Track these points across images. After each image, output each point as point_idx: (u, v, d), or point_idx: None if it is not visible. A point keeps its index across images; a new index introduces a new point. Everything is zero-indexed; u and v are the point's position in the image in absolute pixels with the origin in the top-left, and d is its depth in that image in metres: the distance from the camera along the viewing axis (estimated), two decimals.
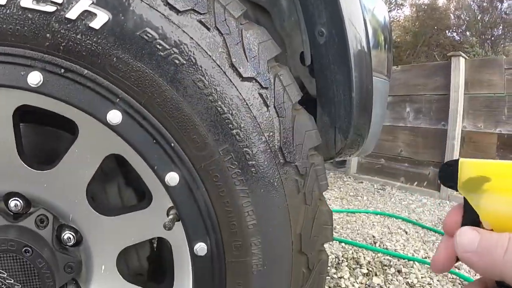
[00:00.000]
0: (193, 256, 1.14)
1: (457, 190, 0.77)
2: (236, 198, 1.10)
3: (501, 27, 15.64)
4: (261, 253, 1.15)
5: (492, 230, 0.66)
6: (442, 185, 6.73)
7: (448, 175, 0.78)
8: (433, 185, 7.13)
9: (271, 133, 1.11)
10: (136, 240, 1.22)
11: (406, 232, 4.82)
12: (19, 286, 1.13)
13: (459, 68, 6.69)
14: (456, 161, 0.76)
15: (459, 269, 3.72)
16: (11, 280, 1.13)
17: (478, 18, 15.50)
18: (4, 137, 1.09)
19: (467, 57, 6.97)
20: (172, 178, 1.07)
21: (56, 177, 1.14)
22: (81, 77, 1.01)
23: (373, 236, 4.55)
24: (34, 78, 1.00)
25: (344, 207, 5.93)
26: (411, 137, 7.54)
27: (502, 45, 15.47)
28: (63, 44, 0.99)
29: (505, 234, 0.61)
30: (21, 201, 1.16)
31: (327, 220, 1.26)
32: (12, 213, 1.18)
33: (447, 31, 15.63)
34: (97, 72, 1.01)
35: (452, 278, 3.51)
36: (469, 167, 0.76)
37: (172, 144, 1.06)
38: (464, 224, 0.71)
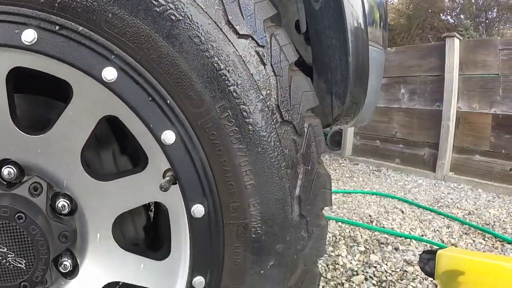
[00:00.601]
0: (190, 218, 1.13)
1: (434, 279, 0.79)
2: (233, 157, 1.09)
3: (495, 10, 15.61)
4: (259, 215, 1.14)
5: None
6: (434, 174, 6.80)
7: (426, 265, 0.81)
8: (428, 166, 7.15)
9: (268, 91, 1.10)
10: (132, 205, 1.20)
11: (403, 212, 4.83)
12: (12, 254, 1.11)
13: (454, 49, 6.68)
14: (434, 252, 0.78)
15: (456, 246, 3.74)
16: (3, 248, 1.11)
17: (473, 1, 15.47)
18: None
19: (461, 38, 6.95)
20: (168, 136, 1.06)
21: (49, 141, 1.13)
22: (76, 34, 0.99)
23: (370, 215, 4.56)
24: (29, 35, 0.98)
25: (340, 188, 5.94)
26: (406, 118, 7.55)
27: (497, 28, 15.45)
28: (58, 1, 0.97)
29: None
30: (14, 169, 1.13)
31: (326, 183, 1.25)
32: (5, 182, 1.16)
33: (441, 14, 15.60)
34: (92, 28, 0.99)
35: None
36: (445, 260, 0.78)
37: (168, 101, 1.04)
38: None
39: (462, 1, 15.79)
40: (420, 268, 0.81)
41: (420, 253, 3.37)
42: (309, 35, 1.51)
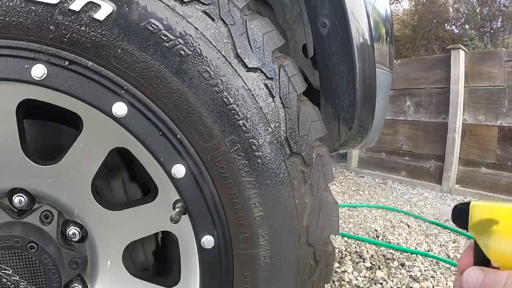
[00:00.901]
0: (200, 249, 1.14)
1: (468, 231, 0.79)
2: (243, 189, 1.10)
3: (500, 19, 15.62)
4: (268, 245, 1.15)
5: (499, 268, 0.71)
6: (440, 186, 6.78)
7: (459, 217, 0.82)
8: (434, 179, 7.13)
9: (277, 124, 1.11)
10: (142, 234, 1.21)
11: (409, 226, 4.82)
12: (24, 283, 1.12)
13: (459, 61, 6.68)
14: (468, 204, 0.79)
15: None
16: (16, 277, 1.12)
17: (477, 11, 15.47)
18: (8, 131, 1.08)
19: (466, 50, 6.96)
20: (179, 170, 1.07)
21: (60, 172, 1.14)
22: (85, 69, 1.00)
23: (376, 230, 4.55)
24: (38, 71, 0.99)
25: (346, 201, 5.93)
26: (412, 130, 7.53)
27: (502, 38, 15.45)
28: (67, 36, 0.98)
29: (505, 272, 0.70)
30: (25, 197, 1.15)
31: (333, 211, 1.26)
32: (16, 210, 1.17)
33: (446, 24, 15.62)
34: (102, 64, 1.00)
35: (455, 271, 3.50)
36: (479, 210, 0.79)
37: (178, 136, 1.05)
38: (476, 264, 0.76)
39: (466, 11, 15.80)
40: (452, 220, 0.81)
41: (425, 268, 3.40)
42: (316, 59, 1.52)
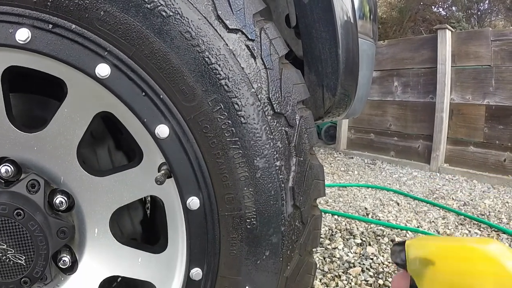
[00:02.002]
0: (186, 210, 1.15)
1: (406, 269, 0.82)
2: (226, 149, 1.11)
3: (487, 1, 15.65)
4: (254, 206, 1.16)
5: None
6: (429, 166, 6.84)
7: (398, 255, 0.84)
8: (423, 158, 7.18)
9: (259, 84, 1.11)
10: (128, 199, 1.21)
11: (398, 204, 4.86)
12: (12, 251, 1.13)
13: (446, 41, 6.71)
14: (403, 242, 0.82)
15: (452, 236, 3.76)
16: (3, 245, 1.12)
17: None
18: None
19: (453, 30, 6.98)
20: (162, 130, 1.08)
21: (46, 138, 1.14)
22: (69, 32, 1.01)
23: (365, 208, 4.59)
24: (23, 34, 1.00)
25: (336, 181, 5.96)
26: (400, 111, 7.58)
27: (489, 20, 15.48)
28: (50, 0, 0.99)
29: None
30: (11, 167, 1.15)
31: (319, 174, 1.27)
32: (2, 180, 1.17)
33: (433, 7, 15.62)
34: (85, 26, 1.01)
35: None
36: (415, 249, 0.81)
37: (161, 96, 1.06)
38: None
39: None
40: (393, 261, 0.83)
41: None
42: (299, 28, 1.53)
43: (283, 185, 1.18)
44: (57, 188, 1.20)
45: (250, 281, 1.22)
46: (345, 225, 4.02)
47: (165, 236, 1.27)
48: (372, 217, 4.32)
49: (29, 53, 1.03)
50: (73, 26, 1.01)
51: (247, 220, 1.17)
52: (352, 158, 8.11)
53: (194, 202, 1.13)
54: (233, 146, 1.10)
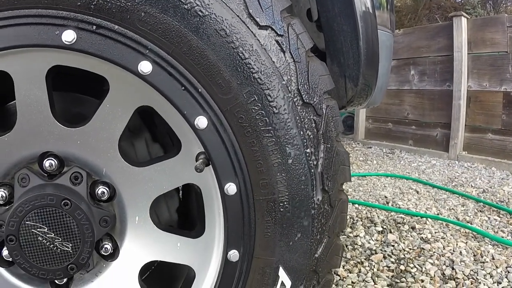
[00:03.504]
0: (224, 196, 1.24)
1: None
2: (260, 137, 1.19)
3: None
4: (286, 191, 1.24)
5: None
6: (447, 154, 6.84)
7: None
8: (441, 146, 7.19)
9: (289, 77, 1.20)
10: (167, 188, 1.29)
11: (417, 192, 4.90)
12: (59, 239, 1.20)
13: (461, 28, 6.70)
14: None
15: (471, 223, 3.81)
16: (51, 234, 1.19)
17: None
18: (39, 96, 1.16)
19: (468, 17, 6.97)
20: (201, 121, 1.17)
21: (89, 133, 1.22)
22: (112, 32, 1.09)
23: (385, 197, 4.64)
24: (68, 35, 1.08)
25: (355, 171, 6.01)
26: (417, 99, 7.58)
27: (504, 5, 15.33)
28: (94, 3, 1.07)
29: None
30: (55, 161, 1.22)
31: (345, 160, 1.34)
32: (46, 173, 1.25)
33: None
34: (127, 26, 1.09)
35: (465, 232, 3.59)
36: None
37: (200, 90, 1.15)
38: None
39: None
40: None
41: (435, 231, 3.48)
42: (320, 22, 1.59)
43: (313, 170, 1.25)
44: (98, 180, 1.28)
45: (283, 261, 1.30)
46: (366, 213, 4.08)
47: (201, 222, 1.35)
48: (392, 205, 4.37)
49: (75, 53, 1.10)
50: (116, 26, 1.09)
51: (280, 204, 1.25)
52: (371, 147, 8.14)
53: (231, 188, 1.22)
54: (267, 135, 1.19)
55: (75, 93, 1.50)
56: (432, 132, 7.38)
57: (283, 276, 1.31)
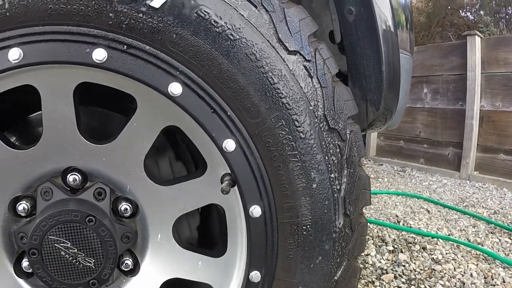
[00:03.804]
0: (248, 218, 1.25)
1: None
2: (287, 162, 1.20)
3: None
4: (310, 214, 1.25)
5: None
6: (459, 173, 6.80)
7: None
8: (452, 166, 7.16)
9: (316, 102, 1.21)
10: (191, 207, 1.31)
11: (429, 211, 4.88)
12: (82, 255, 1.21)
13: (475, 47, 6.69)
14: None
15: (482, 245, 3.79)
16: (74, 249, 1.21)
17: None
18: (65, 112, 1.17)
19: (482, 36, 6.96)
20: (229, 144, 1.18)
21: (115, 150, 1.23)
22: (143, 52, 1.11)
23: (396, 216, 4.63)
24: (99, 54, 1.09)
25: None
26: (430, 118, 7.56)
27: None
28: (125, 23, 1.08)
29: None
30: (79, 176, 1.23)
31: (366, 184, 1.35)
32: (69, 188, 1.26)
33: (460, 11, 15.48)
34: (158, 47, 1.10)
35: (476, 254, 3.57)
36: None
37: (229, 113, 1.16)
38: None
39: None
40: None
41: (446, 251, 3.47)
42: (343, 45, 1.60)
43: (336, 195, 1.26)
44: (121, 196, 1.29)
45: (303, 283, 1.31)
46: (377, 232, 4.07)
47: (223, 241, 1.36)
48: (403, 224, 4.36)
49: (105, 71, 1.12)
50: (147, 47, 1.10)
51: (303, 227, 1.26)
52: (382, 165, 8.12)
53: (256, 210, 1.24)
54: (293, 159, 1.20)
55: (101, 108, 1.52)
56: (444, 151, 7.35)
57: None
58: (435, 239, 3.91)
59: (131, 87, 1.16)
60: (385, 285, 2.97)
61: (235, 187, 1.23)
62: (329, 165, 1.24)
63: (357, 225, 1.34)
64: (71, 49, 1.09)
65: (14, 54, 1.07)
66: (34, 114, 1.57)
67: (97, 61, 1.09)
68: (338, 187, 1.27)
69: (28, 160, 1.20)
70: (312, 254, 1.29)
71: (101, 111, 1.52)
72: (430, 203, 5.29)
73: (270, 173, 1.21)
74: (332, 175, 1.25)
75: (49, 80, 1.15)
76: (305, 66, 1.20)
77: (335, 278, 1.34)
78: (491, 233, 4.20)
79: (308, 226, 1.26)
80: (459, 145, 7.01)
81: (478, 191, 6.09)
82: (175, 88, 1.13)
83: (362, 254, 3.44)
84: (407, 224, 4.37)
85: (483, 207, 5.19)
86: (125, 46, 1.10)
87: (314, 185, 1.23)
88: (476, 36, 6.74)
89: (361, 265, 3.22)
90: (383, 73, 1.56)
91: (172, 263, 1.36)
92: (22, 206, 1.22)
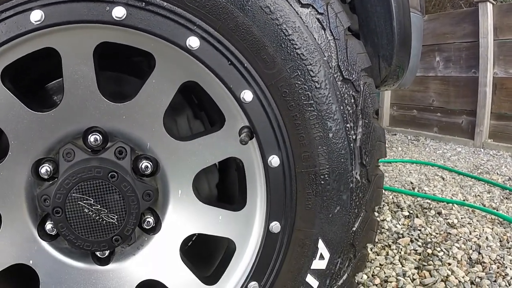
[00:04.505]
0: (267, 168, 1.28)
1: None
2: (303, 111, 1.24)
3: None
4: (327, 163, 1.28)
5: None
6: (473, 141, 6.78)
7: None
8: (466, 134, 7.15)
9: (329, 53, 1.24)
10: (211, 161, 1.34)
11: (443, 178, 4.90)
12: (105, 211, 1.24)
13: (487, 14, 6.64)
14: None
15: (497, 210, 3.81)
16: (97, 205, 1.23)
17: None
18: (86, 72, 1.20)
19: (494, 2, 6.90)
20: (247, 95, 1.21)
21: (135, 107, 1.25)
22: (161, 9, 1.13)
23: (411, 183, 4.65)
24: (119, 12, 1.12)
25: None
26: (442, 86, 7.53)
27: None
28: None
29: None
30: (100, 136, 1.25)
31: (381, 136, 1.37)
32: (90, 149, 1.27)
33: None
34: (175, 3, 1.14)
35: (491, 218, 3.60)
36: None
37: (245, 65, 1.19)
38: None
39: None
40: None
41: (461, 216, 3.49)
42: (354, 4, 1.63)
43: (352, 144, 1.30)
44: (141, 154, 1.31)
45: (322, 234, 1.34)
46: (392, 198, 4.09)
47: (242, 195, 1.39)
48: (418, 191, 4.39)
49: (123, 29, 1.14)
50: (165, 3, 1.13)
51: (321, 177, 1.29)
52: (395, 134, 8.13)
53: (274, 160, 1.27)
54: (309, 109, 1.23)
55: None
56: (458, 119, 7.33)
57: (322, 248, 1.35)
58: (450, 204, 3.94)
59: (149, 44, 1.19)
60: (401, 249, 3.00)
61: (253, 139, 1.26)
62: (345, 115, 1.28)
63: (374, 176, 1.37)
64: (91, 8, 1.11)
65: (36, 16, 1.09)
66: (50, 83, 1.61)
67: (116, 19, 1.12)
68: (353, 137, 1.30)
69: (50, 122, 1.22)
70: (330, 204, 1.32)
71: (115, 74, 1.55)
72: (444, 171, 5.31)
73: (287, 123, 1.24)
74: (348, 125, 1.28)
75: (70, 41, 1.17)
76: (318, 19, 1.23)
77: (353, 229, 1.37)
78: (506, 198, 4.22)
79: (326, 176, 1.29)
80: (473, 113, 6.99)
81: (492, 159, 6.09)
82: (193, 42, 1.16)
83: (378, 219, 3.49)
84: (422, 190, 4.39)
85: (497, 173, 5.20)
86: (144, 3, 1.12)
87: (331, 134, 1.26)
88: (488, 3, 6.69)
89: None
90: (394, 29, 1.58)
91: (193, 219, 1.39)
92: (45, 168, 1.24)
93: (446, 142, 7.31)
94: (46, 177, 1.25)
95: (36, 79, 1.59)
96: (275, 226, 1.33)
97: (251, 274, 1.38)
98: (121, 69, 1.56)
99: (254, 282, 1.38)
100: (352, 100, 1.28)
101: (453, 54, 7.31)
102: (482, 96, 6.79)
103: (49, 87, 1.62)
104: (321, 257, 1.37)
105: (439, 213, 3.70)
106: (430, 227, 3.38)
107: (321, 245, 1.35)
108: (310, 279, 1.38)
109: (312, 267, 1.37)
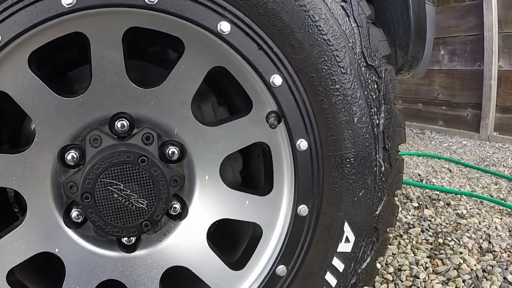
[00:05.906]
0: (295, 152, 1.31)
1: None
2: (330, 96, 1.27)
3: None
4: (352, 147, 1.32)
5: None
6: (478, 134, 6.79)
7: None
8: (472, 127, 7.15)
9: (354, 40, 1.28)
10: (238, 146, 1.36)
11: (450, 171, 4.92)
12: (135, 196, 1.24)
13: (492, 7, 6.62)
14: None
15: (505, 201, 3.83)
16: (127, 190, 1.23)
17: None
18: (115, 58, 1.21)
19: None
20: (276, 79, 1.24)
21: (163, 93, 1.26)
22: None
23: (419, 175, 4.67)
24: None
25: None
26: (447, 79, 7.52)
27: None
28: None
29: None
30: (127, 121, 1.25)
31: (401, 122, 1.40)
32: (116, 135, 1.27)
33: None
34: None
35: (500, 209, 3.63)
36: None
37: (274, 49, 1.22)
38: None
39: None
40: None
41: (470, 207, 3.52)
42: None
43: (375, 129, 1.33)
44: (168, 140, 1.31)
45: (348, 217, 1.38)
46: (401, 190, 4.12)
47: (268, 180, 1.41)
48: (426, 182, 4.41)
49: (154, 13, 1.15)
50: None
51: (347, 160, 1.32)
52: None
53: (303, 143, 1.30)
54: (335, 93, 1.27)
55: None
56: (463, 112, 7.33)
57: (347, 231, 1.39)
58: (459, 195, 3.96)
59: (179, 29, 1.20)
60: (413, 238, 3.03)
61: (281, 124, 1.30)
62: (368, 100, 1.31)
63: (395, 161, 1.40)
64: None
65: None
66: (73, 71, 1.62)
67: (149, 3, 1.13)
68: (377, 122, 1.33)
69: (77, 108, 1.22)
70: (355, 187, 1.35)
71: (140, 63, 1.56)
72: (451, 163, 5.33)
73: (314, 107, 1.27)
74: (372, 110, 1.32)
75: (99, 26, 1.17)
76: (342, 6, 1.26)
77: (377, 213, 1.41)
78: None
79: (352, 159, 1.32)
80: (478, 106, 6.99)
81: (498, 151, 6.11)
82: (225, 27, 1.18)
83: None
84: (430, 182, 4.42)
85: (503, 166, 5.22)
86: None
87: (356, 119, 1.30)
88: None
89: None
90: (410, 18, 1.61)
91: (220, 204, 1.40)
92: (71, 155, 1.24)
93: (452, 135, 7.31)
94: (72, 163, 1.24)
95: (54, 69, 1.60)
96: (303, 209, 1.36)
97: (279, 258, 1.40)
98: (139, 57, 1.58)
99: (282, 266, 1.40)
100: (375, 86, 1.31)
101: (458, 48, 7.30)
102: (487, 89, 6.79)
103: (69, 76, 1.62)
104: (347, 240, 1.40)
105: (448, 204, 3.72)
106: (440, 218, 3.41)
107: (346, 228, 1.39)
108: (336, 262, 1.41)
109: (338, 250, 1.41)
